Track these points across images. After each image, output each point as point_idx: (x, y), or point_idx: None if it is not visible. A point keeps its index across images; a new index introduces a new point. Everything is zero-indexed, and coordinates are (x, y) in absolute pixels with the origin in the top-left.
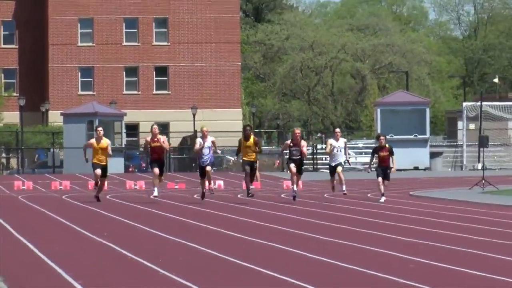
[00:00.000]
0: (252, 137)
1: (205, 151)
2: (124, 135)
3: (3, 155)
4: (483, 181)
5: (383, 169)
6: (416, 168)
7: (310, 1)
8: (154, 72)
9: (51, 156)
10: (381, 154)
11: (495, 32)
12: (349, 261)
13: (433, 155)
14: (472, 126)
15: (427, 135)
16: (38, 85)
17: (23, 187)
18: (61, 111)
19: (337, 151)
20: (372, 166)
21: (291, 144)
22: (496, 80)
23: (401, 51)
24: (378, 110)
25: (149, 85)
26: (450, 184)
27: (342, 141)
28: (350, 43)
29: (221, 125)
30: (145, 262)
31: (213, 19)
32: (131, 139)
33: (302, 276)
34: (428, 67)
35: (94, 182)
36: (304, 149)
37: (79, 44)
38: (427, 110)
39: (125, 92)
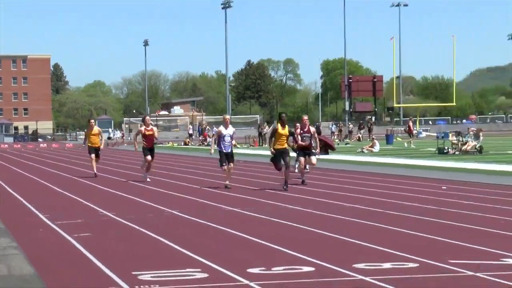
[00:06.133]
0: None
1: (227, 138)
2: (13, 129)
3: None
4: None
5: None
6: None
7: (78, 85)
8: (22, 109)
9: None
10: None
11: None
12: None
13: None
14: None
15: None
16: None
17: None
18: None
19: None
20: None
21: (302, 131)
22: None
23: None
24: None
25: (22, 112)
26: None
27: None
28: (95, 99)
29: (46, 126)
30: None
31: (44, 94)
32: (16, 131)
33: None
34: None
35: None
36: (316, 135)
37: None
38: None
39: (13, 116)
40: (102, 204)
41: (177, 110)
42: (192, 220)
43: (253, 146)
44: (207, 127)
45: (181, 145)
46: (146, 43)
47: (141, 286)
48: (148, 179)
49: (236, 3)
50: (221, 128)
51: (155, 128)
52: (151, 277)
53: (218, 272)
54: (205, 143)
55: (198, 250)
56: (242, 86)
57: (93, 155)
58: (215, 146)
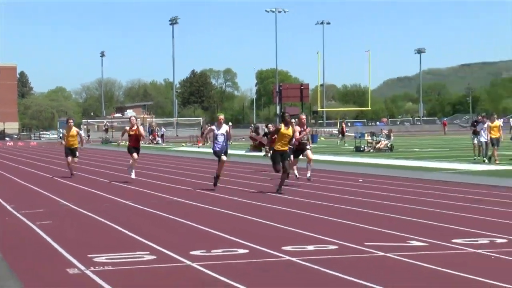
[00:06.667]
0: (291, 126)
1: (220, 138)
2: None
3: None
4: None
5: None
6: None
7: (41, 91)
8: None
9: None
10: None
11: None
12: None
13: None
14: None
15: None
16: None
17: None
18: None
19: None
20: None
21: (301, 129)
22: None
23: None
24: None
25: None
26: None
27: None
28: (57, 103)
29: (13, 126)
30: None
31: (10, 98)
32: None
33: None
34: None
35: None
36: (297, 134)
37: None
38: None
39: None
40: (63, 196)
41: (130, 113)
42: (146, 210)
43: (196, 144)
44: (156, 127)
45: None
46: (102, 54)
47: (96, 267)
48: (133, 176)
49: (182, 19)
50: (214, 127)
51: (141, 128)
52: (105, 259)
53: (165, 255)
54: (155, 142)
55: (148, 236)
56: (187, 92)
57: (69, 158)
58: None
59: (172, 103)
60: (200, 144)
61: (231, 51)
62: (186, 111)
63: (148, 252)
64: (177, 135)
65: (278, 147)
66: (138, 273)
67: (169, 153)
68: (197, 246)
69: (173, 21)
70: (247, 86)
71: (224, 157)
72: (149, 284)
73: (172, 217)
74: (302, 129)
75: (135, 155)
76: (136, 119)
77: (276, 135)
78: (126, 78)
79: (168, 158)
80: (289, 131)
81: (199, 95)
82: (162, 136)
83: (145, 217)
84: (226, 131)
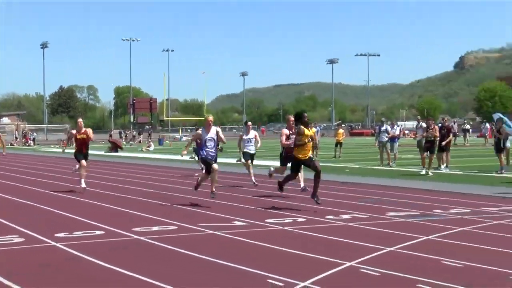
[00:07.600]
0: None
1: (210, 143)
2: None
3: None
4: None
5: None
6: None
7: None
8: None
9: None
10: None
11: None
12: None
13: None
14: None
15: None
16: None
17: None
18: None
19: (248, 142)
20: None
21: (290, 132)
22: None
23: None
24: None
25: None
26: None
27: (252, 133)
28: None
29: None
30: None
31: None
32: None
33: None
34: None
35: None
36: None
37: None
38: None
39: None
40: None
41: (5, 120)
42: (20, 202)
43: (63, 146)
44: (29, 132)
45: (8, 145)
46: None
47: None
48: (83, 185)
49: (52, 42)
50: (201, 130)
51: (89, 131)
52: None
53: (32, 237)
54: (27, 144)
55: (17, 222)
56: (56, 104)
57: None
58: (191, 152)
59: (43, 112)
60: (65, 147)
61: (94, 71)
62: (55, 119)
63: (17, 236)
64: (47, 139)
65: (300, 155)
66: (8, 253)
67: (39, 153)
68: (60, 229)
69: (44, 46)
70: (106, 99)
71: (215, 165)
72: (17, 261)
73: (41, 206)
74: (291, 132)
75: (83, 161)
76: (82, 122)
77: (299, 140)
78: (2, 91)
79: (39, 158)
80: (311, 132)
81: (66, 106)
82: (33, 139)
83: (18, 208)
84: (216, 132)
